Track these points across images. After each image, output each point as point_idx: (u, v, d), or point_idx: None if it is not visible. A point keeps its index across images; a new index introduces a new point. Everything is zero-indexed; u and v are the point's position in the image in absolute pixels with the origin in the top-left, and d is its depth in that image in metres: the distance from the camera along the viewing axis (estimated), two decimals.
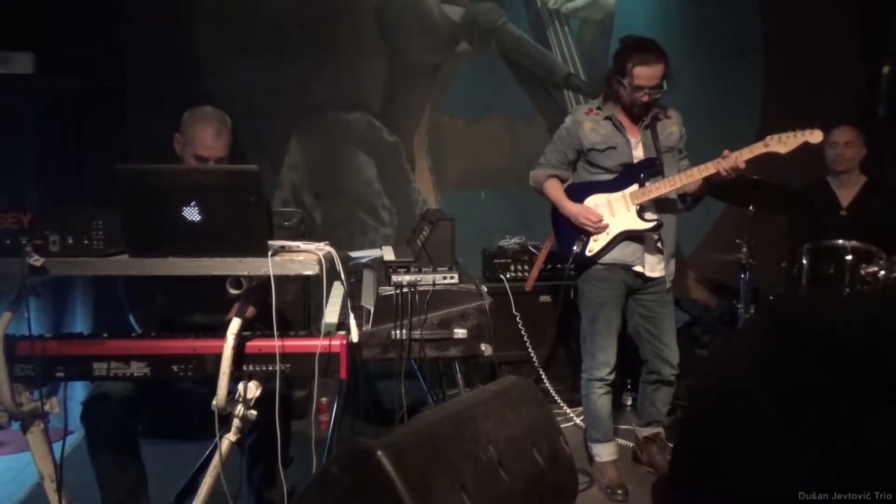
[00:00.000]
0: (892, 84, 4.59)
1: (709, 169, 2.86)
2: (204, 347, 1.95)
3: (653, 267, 3.03)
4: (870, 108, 4.67)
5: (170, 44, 4.27)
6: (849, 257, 3.34)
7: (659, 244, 3.03)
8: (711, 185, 2.99)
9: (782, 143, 2.80)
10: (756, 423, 0.87)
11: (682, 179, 2.91)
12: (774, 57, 4.87)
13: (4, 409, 1.93)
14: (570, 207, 3.04)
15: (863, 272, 3.28)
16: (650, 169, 2.96)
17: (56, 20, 3.73)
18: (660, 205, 3.01)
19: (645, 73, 2.83)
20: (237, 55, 4.40)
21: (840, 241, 3.38)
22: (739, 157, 2.80)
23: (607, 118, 2.99)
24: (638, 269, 3.01)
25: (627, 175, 2.99)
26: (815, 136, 2.80)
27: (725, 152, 2.83)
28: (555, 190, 3.10)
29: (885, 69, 4.60)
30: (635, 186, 2.97)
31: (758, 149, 2.82)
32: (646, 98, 2.87)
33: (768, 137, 2.83)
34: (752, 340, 0.92)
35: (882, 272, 3.22)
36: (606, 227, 2.98)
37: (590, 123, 3.00)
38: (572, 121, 3.06)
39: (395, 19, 4.61)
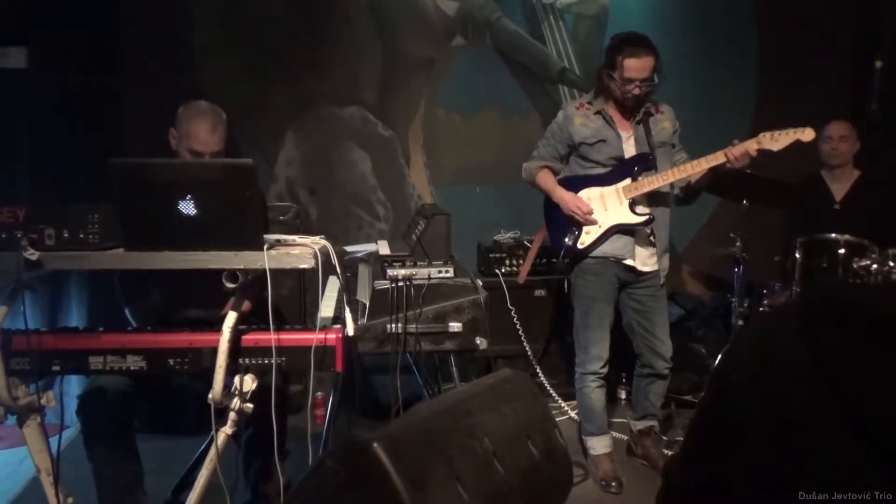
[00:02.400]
0: (885, 79, 4.60)
1: (718, 158, 2.86)
2: (200, 341, 1.96)
3: (644, 261, 3.05)
4: (862, 102, 4.68)
5: (165, 38, 4.26)
6: (841, 251, 3.36)
7: (651, 238, 3.04)
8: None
9: (774, 141, 2.83)
10: (806, 403, 0.87)
11: (675, 174, 2.93)
12: (768, 51, 4.89)
13: (1, 403, 1.93)
14: (562, 194, 3.04)
15: (855, 266, 3.30)
16: (643, 163, 2.98)
17: (50, 14, 3.72)
18: (652, 199, 3.03)
19: (635, 66, 2.84)
20: (232, 50, 4.40)
21: (833, 235, 3.40)
22: (749, 146, 2.81)
23: (598, 113, 3.00)
24: (629, 262, 3.02)
25: (620, 169, 3.00)
26: (807, 135, 2.83)
27: (735, 141, 2.84)
28: (547, 180, 3.10)
29: (878, 64, 4.61)
30: (628, 181, 2.98)
31: (750, 146, 2.84)
32: (637, 91, 2.88)
33: (761, 135, 2.85)
34: (796, 319, 0.92)
35: (874, 266, 3.24)
36: (595, 221, 2.99)
37: (580, 118, 3.02)
38: (563, 116, 3.07)
39: (390, 14, 4.61)
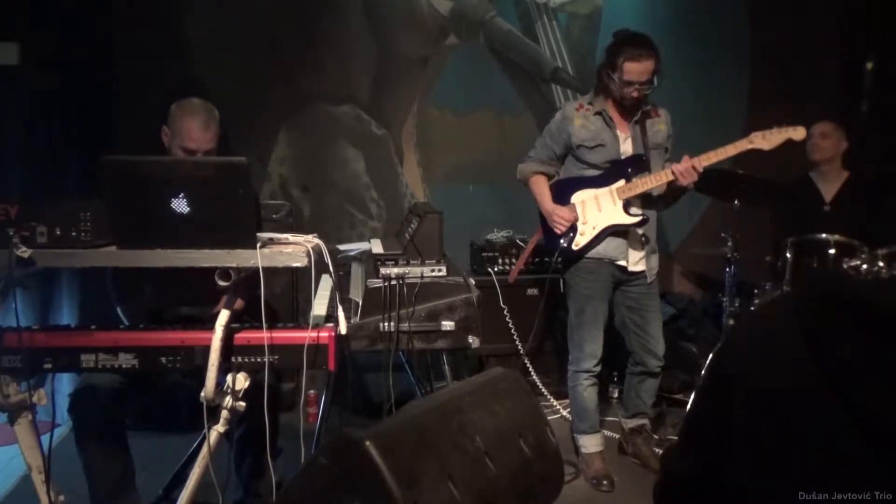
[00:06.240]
0: (876, 80, 4.63)
1: (668, 175, 2.90)
2: (192, 339, 1.95)
3: (635, 262, 3.07)
4: (853, 103, 4.70)
5: (158, 35, 4.24)
6: (832, 251, 3.38)
7: (643, 239, 3.06)
8: (700, 178, 3.02)
9: (766, 140, 2.85)
10: (804, 395, 0.86)
11: (667, 175, 2.94)
12: (760, 51, 4.90)
13: None
14: (546, 206, 3.09)
15: (845, 266, 3.31)
16: (637, 165, 2.99)
17: (41, 10, 3.69)
18: (644, 201, 3.04)
19: (635, 69, 2.85)
20: (225, 47, 4.39)
21: (823, 235, 3.42)
22: (698, 161, 2.83)
23: (598, 113, 3.01)
24: (621, 263, 3.04)
25: (614, 170, 3.01)
26: (799, 133, 2.85)
27: (685, 157, 2.86)
28: (538, 187, 3.14)
29: (869, 65, 4.64)
30: (622, 182, 3.00)
31: (742, 146, 2.86)
32: (636, 94, 2.89)
33: (752, 134, 2.87)
34: (794, 311, 0.91)
35: (864, 266, 3.26)
36: (576, 226, 3.01)
37: (580, 119, 3.02)
38: (562, 116, 3.08)
39: (384, 12, 4.61)
